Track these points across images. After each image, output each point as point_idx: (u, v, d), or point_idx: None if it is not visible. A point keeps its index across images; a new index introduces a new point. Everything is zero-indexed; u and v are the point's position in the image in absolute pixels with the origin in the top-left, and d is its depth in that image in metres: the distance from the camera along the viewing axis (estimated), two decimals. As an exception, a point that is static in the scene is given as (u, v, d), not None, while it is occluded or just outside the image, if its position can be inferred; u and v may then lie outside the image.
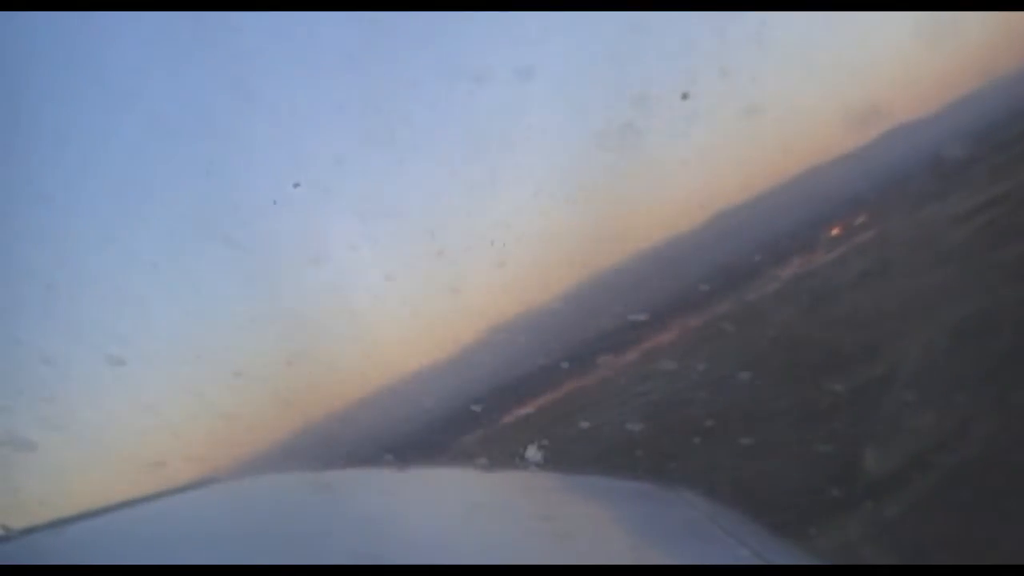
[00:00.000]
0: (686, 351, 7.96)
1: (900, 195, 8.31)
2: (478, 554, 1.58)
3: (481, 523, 1.90)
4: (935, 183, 8.56)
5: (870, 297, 6.54)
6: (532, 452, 7.24)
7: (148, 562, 1.52)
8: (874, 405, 4.82)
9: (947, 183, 8.58)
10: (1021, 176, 7.85)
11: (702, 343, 7.90)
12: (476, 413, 7.41)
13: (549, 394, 8.73)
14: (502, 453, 7.52)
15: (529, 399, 8.67)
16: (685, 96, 6.29)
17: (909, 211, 8.35)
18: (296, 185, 6.30)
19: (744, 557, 1.64)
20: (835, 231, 9.40)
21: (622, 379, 8.21)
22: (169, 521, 2.07)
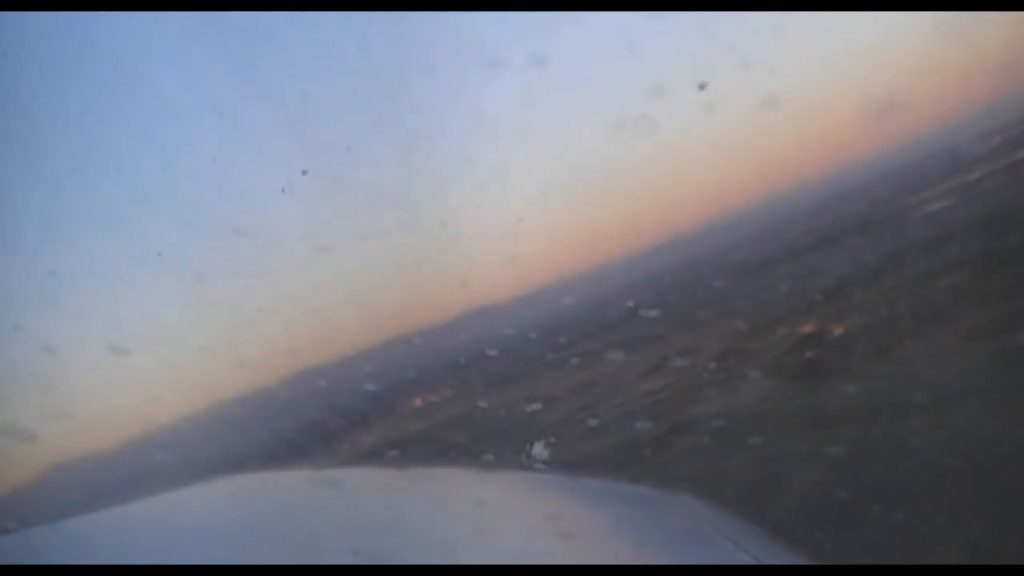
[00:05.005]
0: (698, 348, 7.87)
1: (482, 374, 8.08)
2: (482, 553, 1.54)
3: (485, 522, 1.86)
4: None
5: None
6: (539, 449, 7.16)
7: (148, 561, 1.48)
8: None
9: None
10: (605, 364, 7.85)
11: (714, 340, 7.81)
12: (483, 409, 7.35)
13: (558, 390, 8.66)
14: (509, 450, 7.46)
15: (538, 395, 8.61)
16: (702, 87, 6.19)
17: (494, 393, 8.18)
18: (305, 172, 6.24)
19: (743, 561, 1.61)
20: (417, 402, 8.92)
21: (632, 376, 8.13)
22: (169, 520, 2.02)
